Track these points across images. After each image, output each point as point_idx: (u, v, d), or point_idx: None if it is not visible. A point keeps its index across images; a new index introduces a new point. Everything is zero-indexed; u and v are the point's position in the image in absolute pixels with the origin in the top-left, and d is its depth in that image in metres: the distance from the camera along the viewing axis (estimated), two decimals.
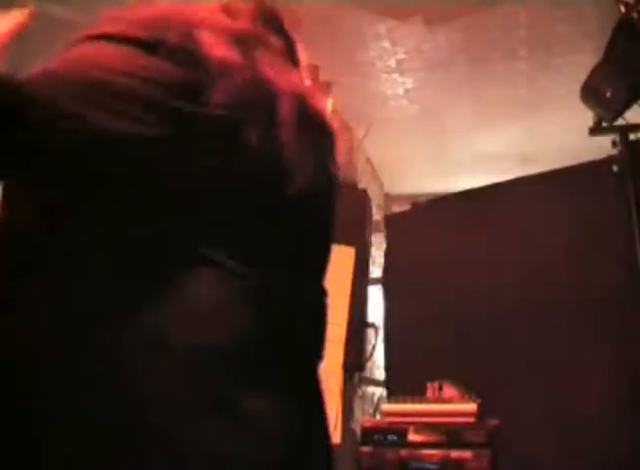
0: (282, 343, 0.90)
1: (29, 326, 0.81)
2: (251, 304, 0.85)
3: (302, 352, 0.97)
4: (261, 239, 0.87)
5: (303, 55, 1.05)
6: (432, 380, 2.74)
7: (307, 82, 1.02)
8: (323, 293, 1.04)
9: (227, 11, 0.92)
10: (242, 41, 0.88)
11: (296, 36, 1.03)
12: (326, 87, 3.35)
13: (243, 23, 0.91)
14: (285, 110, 0.87)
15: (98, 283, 0.81)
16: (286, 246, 0.90)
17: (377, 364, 4.12)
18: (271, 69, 0.89)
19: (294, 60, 1.00)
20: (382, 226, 4.04)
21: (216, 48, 0.82)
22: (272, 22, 0.97)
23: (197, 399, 0.80)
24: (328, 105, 1.07)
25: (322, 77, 3.29)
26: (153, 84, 0.78)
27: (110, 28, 0.81)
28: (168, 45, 0.79)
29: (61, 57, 0.80)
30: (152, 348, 0.80)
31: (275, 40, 0.95)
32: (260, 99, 0.86)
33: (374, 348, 3.46)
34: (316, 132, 0.95)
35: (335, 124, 1.05)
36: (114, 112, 0.75)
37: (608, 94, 2.83)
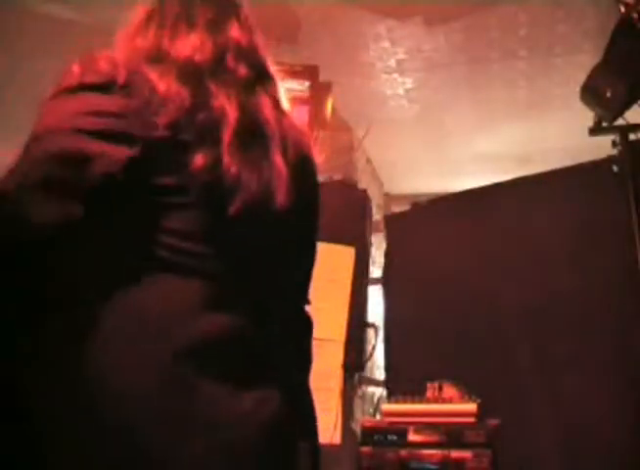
0: (265, 347, 0.98)
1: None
2: (229, 309, 0.94)
3: (287, 355, 1.04)
4: (218, 251, 0.96)
5: (278, 79, 1.18)
6: (432, 380, 2.74)
7: (277, 105, 1.14)
8: (304, 301, 1.13)
9: (195, 48, 1.07)
10: (194, 73, 1.03)
11: (270, 65, 1.18)
12: (326, 87, 3.35)
13: (203, 56, 1.06)
14: (228, 133, 0.98)
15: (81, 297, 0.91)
16: (240, 258, 0.99)
17: (377, 364, 4.12)
18: (222, 96, 1.02)
19: (262, 85, 1.12)
20: (382, 226, 4.04)
21: (160, 83, 0.96)
22: (243, 53, 1.12)
23: (178, 410, 0.86)
24: (304, 126, 1.17)
25: (322, 77, 3.31)
26: (112, 116, 0.93)
27: (69, 82, 0.96)
28: (119, 84, 0.94)
29: (37, 120, 0.94)
30: (134, 357, 0.88)
31: (242, 69, 1.09)
32: (204, 124, 0.98)
33: (374, 348, 3.46)
34: (272, 152, 1.05)
35: (310, 145, 1.16)
36: (86, 145, 0.90)
37: (608, 94, 2.82)
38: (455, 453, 2.45)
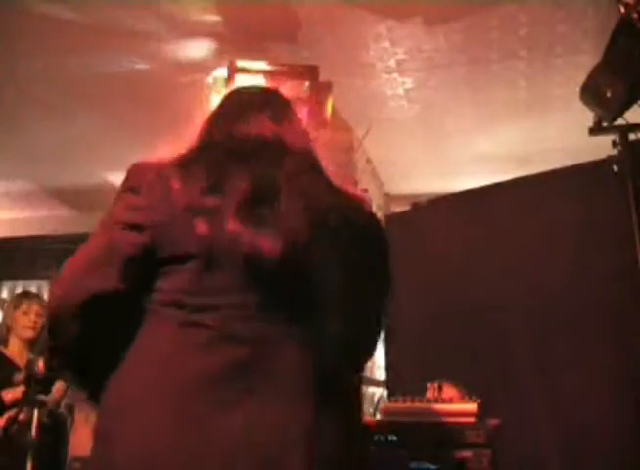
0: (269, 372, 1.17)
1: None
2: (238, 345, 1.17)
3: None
4: (217, 301, 1.20)
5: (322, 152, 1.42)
6: (432, 380, 2.73)
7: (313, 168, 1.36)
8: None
9: (238, 129, 1.38)
10: (223, 153, 1.31)
11: (316, 153, 1.40)
12: (326, 87, 3.35)
13: (241, 136, 1.36)
14: (233, 205, 1.21)
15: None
16: (241, 303, 1.21)
17: (377, 364, 4.12)
18: (237, 174, 1.26)
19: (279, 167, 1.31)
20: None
21: (176, 182, 1.24)
22: (278, 138, 1.36)
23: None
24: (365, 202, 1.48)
25: (322, 77, 3.30)
26: (135, 211, 1.25)
27: (123, 184, 1.32)
28: (144, 187, 1.26)
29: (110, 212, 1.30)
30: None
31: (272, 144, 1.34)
32: (211, 202, 1.22)
33: None
34: (277, 213, 1.23)
35: (366, 212, 1.44)
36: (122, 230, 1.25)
37: (608, 94, 2.82)
38: (455, 453, 2.45)
